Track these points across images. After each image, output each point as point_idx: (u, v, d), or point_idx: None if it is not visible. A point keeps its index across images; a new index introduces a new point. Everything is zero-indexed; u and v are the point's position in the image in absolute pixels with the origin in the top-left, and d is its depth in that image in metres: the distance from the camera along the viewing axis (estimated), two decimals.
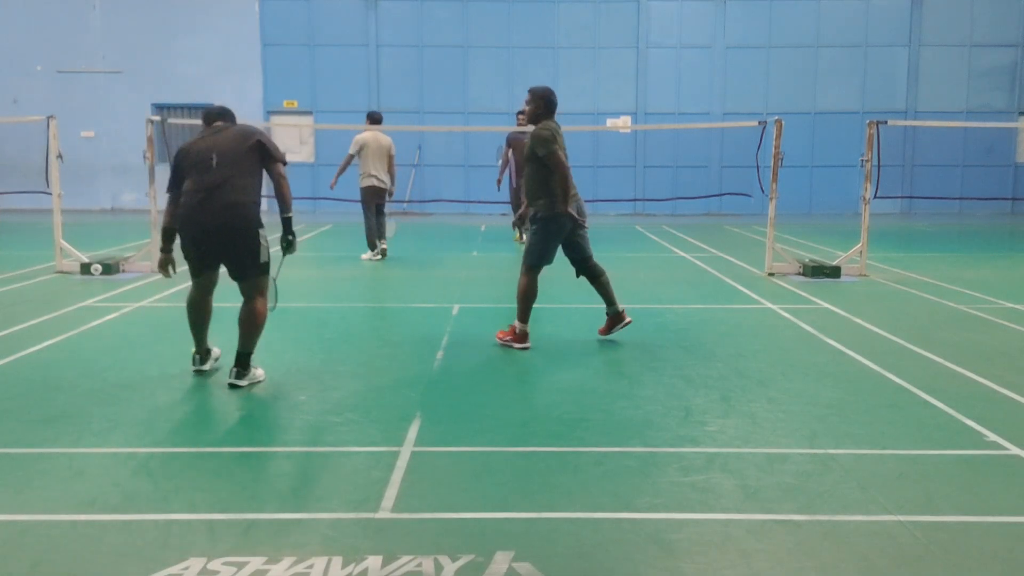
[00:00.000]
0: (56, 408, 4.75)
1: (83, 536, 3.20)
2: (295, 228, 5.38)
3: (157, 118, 10.38)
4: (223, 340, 5.75)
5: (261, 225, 5.26)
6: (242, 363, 5.26)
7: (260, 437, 4.33)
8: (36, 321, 7.04)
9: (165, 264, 5.50)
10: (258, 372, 5.40)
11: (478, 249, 13.03)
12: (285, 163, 5.36)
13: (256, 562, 2.98)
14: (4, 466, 3.91)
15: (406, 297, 8.78)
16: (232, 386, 5.22)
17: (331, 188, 11.57)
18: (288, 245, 5.36)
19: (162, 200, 10.06)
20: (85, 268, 9.55)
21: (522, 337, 6.30)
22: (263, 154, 5.25)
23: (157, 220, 10.09)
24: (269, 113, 20.33)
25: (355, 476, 3.79)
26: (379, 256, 11.32)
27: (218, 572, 2.91)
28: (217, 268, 5.42)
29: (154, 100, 19.92)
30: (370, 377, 5.50)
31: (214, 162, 5.10)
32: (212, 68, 20.09)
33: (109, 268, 9.58)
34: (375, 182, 11.18)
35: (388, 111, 20.16)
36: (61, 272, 9.68)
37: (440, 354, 6.08)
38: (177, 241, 5.40)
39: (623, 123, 20.10)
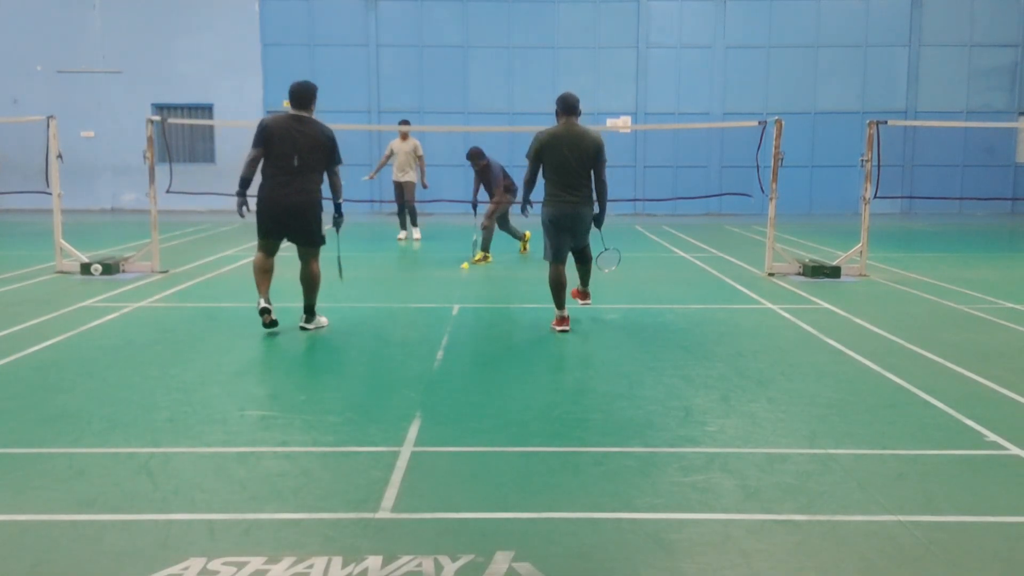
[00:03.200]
0: (56, 408, 4.75)
1: (83, 536, 3.20)
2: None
3: (157, 118, 10.38)
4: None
5: (322, 208, 6.59)
6: (308, 311, 6.68)
7: (261, 437, 4.33)
8: (36, 321, 7.03)
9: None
10: (322, 320, 6.78)
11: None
12: (341, 163, 6.60)
13: (256, 562, 2.98)
14: (4, 466, 3.91)
15: (406, 297, 8.78)
16: (302, 328, 6.60)
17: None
18: (338, 222, 6.71)
19: (162, 200, 10.16)
20: (85, 268, 9.55)
21: (558, 321, 6.77)
22: (329, 156, 6.49)
23: (157, 220, 10.13)
24: (269, 113, 20.31)
25: (355, 476, 3.79)
26: (403, 238, 13.91)
27: (218, 572, 2.91)
28: (282, 239, 6.58)
29: (154, 100, 19.93)
30: (370, 377, 5.50)
31: (295, 161, 6.30)
32: (212, 68, 20.10)
33: (109, 268, 9.57)
34: (400, 178, 13.67)
35: (388, 111, 20.22)
36: (61, 272, 9.68)
37: (440, 354, 6.08)
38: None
39: (623, 123, 20.09)
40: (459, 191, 20.22)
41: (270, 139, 6.34)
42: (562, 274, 6.76)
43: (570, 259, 7.00)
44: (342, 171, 6.67)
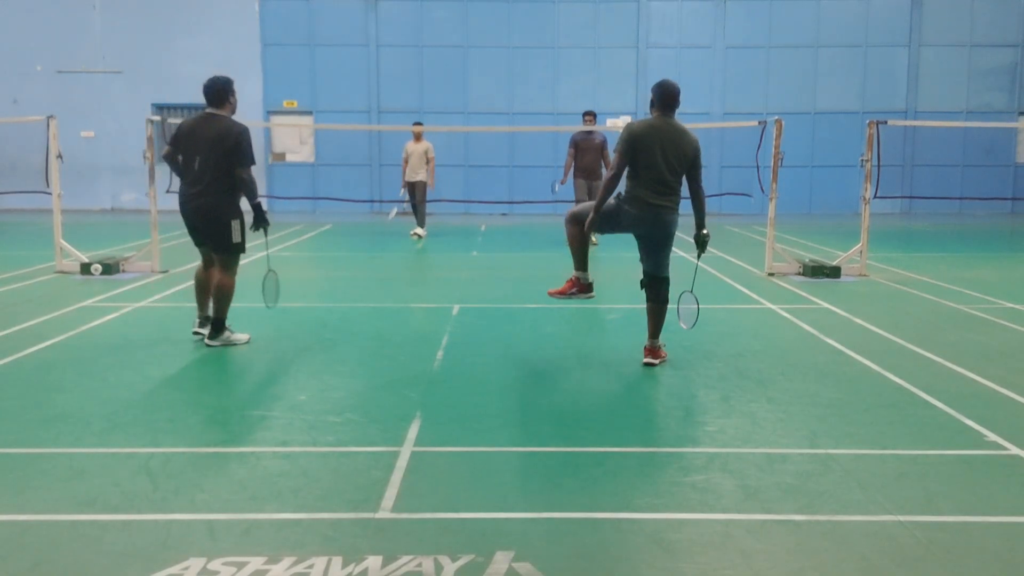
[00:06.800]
0: (56, 408, 4.75)
1: (83, 536, 3.20)
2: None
3: (157, 118, 10.37)
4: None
5: (236, 213, 6.20)
6: (214, 324, 6.22)
7: (260, 437, 4.33)
8: (36, 321, 7.03)
9: None
10: (237, 336, 6.29)
11: (478, 249, 13.02)
12: (251, 163, 6.17)
13: (256, 562, 2.98)
14: (4, 466, 3.91)
15: (406, 297, 8.78)
16: (207, 344, 6.16)
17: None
18: (260, 224, 6.26)
19: (162, 200, 10.16)
20: (85, 268, 9.55)
21: (583, 287, 5.98)
22: (231, 155, 6.10)
23: (157, 220, 10.13)
24: (269, 113, 20.32)
25: (355, 476, 3.79)
26: (415, 234, 14.31)
27: (218, 572, 2.91)
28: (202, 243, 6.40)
29: (154, 100, 19.91)
30: (370, 377, 5.50)
31: (196, 163, 6.10)
32: (212, 68, 19.77)
33: (109, 268, 9.57)
34: (412, 178, 14.29)
35: (388, 111, 20.21)
36: (61, 272, 9.68)
37: (440, 354, 6.08)
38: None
39: (623, 123, 20.08)
40: (460, 191, 20.26)
41: (177, 139, 6.26)
42: (585, 234, 5.82)
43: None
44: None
